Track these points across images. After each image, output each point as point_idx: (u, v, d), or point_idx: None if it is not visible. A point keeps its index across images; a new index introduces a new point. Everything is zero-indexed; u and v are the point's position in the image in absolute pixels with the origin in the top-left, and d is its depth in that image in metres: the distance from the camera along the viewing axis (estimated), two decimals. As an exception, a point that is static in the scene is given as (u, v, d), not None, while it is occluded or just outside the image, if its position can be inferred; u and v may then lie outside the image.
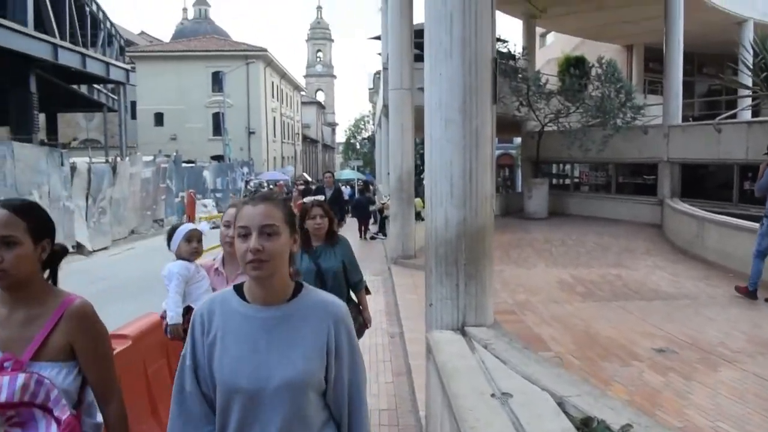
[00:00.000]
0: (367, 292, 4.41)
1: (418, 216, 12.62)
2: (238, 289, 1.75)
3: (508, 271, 10.06)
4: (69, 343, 1.77)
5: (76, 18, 22.79)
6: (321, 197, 4.25)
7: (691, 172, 16.34)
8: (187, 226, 3.44)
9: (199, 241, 3.44)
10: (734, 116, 17.37)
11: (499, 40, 20.12)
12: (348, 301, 4.08)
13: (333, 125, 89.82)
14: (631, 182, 18.86)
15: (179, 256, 3.41)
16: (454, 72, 3.34)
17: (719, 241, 10.66)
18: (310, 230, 3.98)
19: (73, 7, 22.58)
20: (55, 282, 1.91)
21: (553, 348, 5.92)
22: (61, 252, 1.92)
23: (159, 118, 43.63)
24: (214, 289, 2.84)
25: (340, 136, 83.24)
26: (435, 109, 3.42)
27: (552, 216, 18.94)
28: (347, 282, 4.13)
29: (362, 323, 4.25)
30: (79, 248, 15.35)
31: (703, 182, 16.49)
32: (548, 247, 12.84)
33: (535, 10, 14.90)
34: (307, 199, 4.22)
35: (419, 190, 15.14)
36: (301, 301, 1.73)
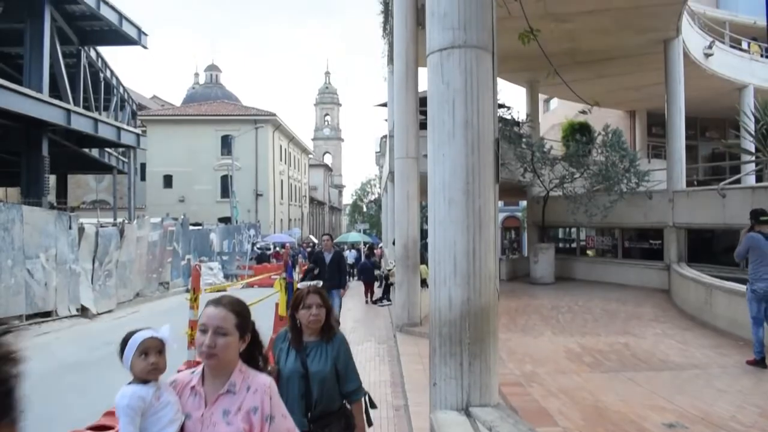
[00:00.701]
0: (373, 405, 3.52)
1: (424, 283, 12.57)
2: None
3: (514, 340, 9.93)
4: None
5: (90, 84, 23.43)
6: (319, 282, 3.63)
7: (698, 236, 16.32)
8: (141, 335, 2.44)
9: (160, 352, 2.45)
10: (738, 181, 17.49)
11: (502, 106, 20.47)
12: (340, 408, 3.32)
13: (340, 187, 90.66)
14: (638, 247, 18.81)
15: (135, 376, 2.46)
16: (457, 153, 3.41)
17: (728, 308, 10.51)
18: (303, 322, 3.29)
19: (88, 73, 23.24)
20: None
21: (560, 423, 5.78)
22: None
23: (168, 180, 44.19)
24: (187, 416, 2.17)
25: (347, 198, 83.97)
26: (438, 189, 3.47)
27: (559, 281, 18.85)
28: (340, 390, 3.31)
29: None
30: (84, 311, 15.40)
31: (709, 246, 16.43)
32: (555, 314, 12.71)
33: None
34: (302, 285, 3.54)
35: (425, 256, 15.12)
36: None
